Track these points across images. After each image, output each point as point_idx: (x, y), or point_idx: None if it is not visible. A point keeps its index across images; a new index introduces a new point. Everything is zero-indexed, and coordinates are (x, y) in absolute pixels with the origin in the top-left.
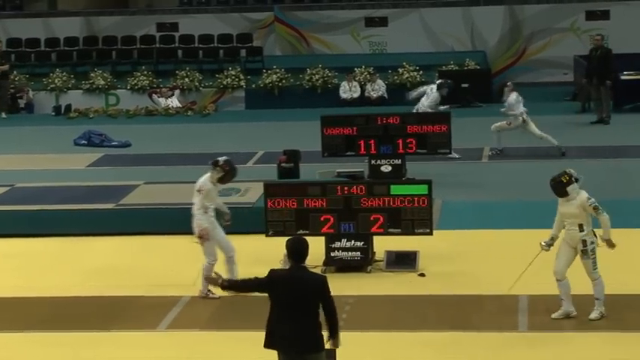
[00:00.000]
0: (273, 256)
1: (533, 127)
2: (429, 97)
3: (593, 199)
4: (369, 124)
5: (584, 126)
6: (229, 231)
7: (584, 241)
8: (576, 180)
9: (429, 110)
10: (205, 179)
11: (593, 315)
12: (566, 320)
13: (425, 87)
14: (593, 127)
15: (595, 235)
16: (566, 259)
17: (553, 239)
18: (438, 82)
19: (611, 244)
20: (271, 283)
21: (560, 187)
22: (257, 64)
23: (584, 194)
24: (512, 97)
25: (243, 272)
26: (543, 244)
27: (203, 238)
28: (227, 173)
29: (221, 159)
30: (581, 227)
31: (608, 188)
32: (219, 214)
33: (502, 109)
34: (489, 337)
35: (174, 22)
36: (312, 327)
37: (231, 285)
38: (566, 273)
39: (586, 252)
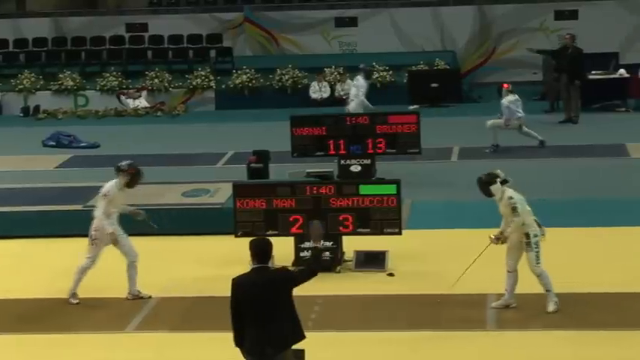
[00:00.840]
0: (242, 257)
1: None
2: (358, 87)
3: (514, 200)
4: (338, 124)
5: (552, 125)
6: (198, 232)
7: (527, 234)
8: (504, 182)
9: (363, 99)
10: (111, 185)
11: (550, 308)
12: (533, 319)
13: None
14: (561, 126)
15: (540, 226)
16: (514, 253)
17: (502, 233)
18: (360, 67)
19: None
20: (238, 292)
21: (481, 185)
22: (227, 65)
23: (508, 193)
24: (508, 98)
25: (213, 274)
26: (492, 237)
27: (112, 242)
28: (133, 176)
29: (124, 163)
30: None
31: (575, 187)
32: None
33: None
34: (458, 336)
35: (144, 22)
36: (278, 329)
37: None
38: (517, 266)
39: (529, 244)
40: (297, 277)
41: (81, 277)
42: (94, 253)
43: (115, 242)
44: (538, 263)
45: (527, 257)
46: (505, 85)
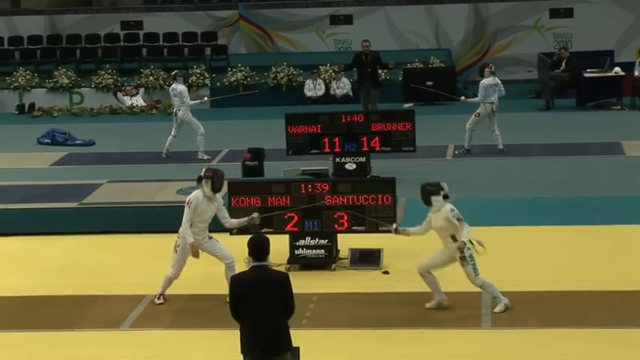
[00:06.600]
0: (237, 255)
1: (495, 120)
2: (182, 94)
3: (456, 211)
4: (333, 122)
5: (547, 123)
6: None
7: (460, 249)
8: (446, 196)
9: (191, 103)
10: (194, 193)
11: (498, 308)
12: (528, 317)
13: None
14: (555, 124)
15: (471, 242)
16: (435, 262)
17: (405, 230)
18: (175, 74)
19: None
20: (236, 290)
21: (423, 193)
22: (222, 63)
23: (448, 206)
24: (488, 80)
25: (203, 272)
26: (394, 226)
27: (192, 253)
28: (213, 179)
29: (202, 172)
30: (454, 238)
31: (571, 185)
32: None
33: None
34: (453, 334)
35: (139, 20)
36: (277, 328)
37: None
38: (432, 271)
39: (464, 258)
40: (290, 294)
41: (165, 284)
42: (175, 261)
43: (196, 254)
44: (477, 275)
45: (465, 272)
46: (488, 66)
